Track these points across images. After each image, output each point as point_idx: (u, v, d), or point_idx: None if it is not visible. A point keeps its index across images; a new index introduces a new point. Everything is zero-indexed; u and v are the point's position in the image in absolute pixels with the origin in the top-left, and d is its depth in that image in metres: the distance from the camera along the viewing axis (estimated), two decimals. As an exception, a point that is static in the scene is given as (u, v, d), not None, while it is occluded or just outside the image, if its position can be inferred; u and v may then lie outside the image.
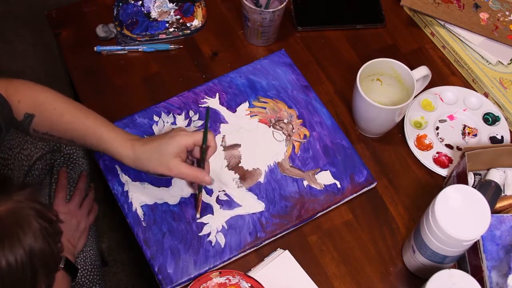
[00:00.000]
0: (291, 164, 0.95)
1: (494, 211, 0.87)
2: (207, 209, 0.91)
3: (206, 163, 0.88)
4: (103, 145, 0.85)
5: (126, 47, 1.08)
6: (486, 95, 1.04)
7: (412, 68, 0.94)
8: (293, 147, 0.97)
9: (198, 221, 0.90)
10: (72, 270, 0.94)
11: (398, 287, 0.88)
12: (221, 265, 0.88)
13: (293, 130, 0.99)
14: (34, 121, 0.84)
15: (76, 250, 1.00)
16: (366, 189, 0.94)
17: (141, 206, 0.91)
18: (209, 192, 0.92)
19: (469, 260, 0.84)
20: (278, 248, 0.90)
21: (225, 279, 0.84)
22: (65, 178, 1.06)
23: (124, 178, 0.93)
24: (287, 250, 0.89)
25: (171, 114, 0.99)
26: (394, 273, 0.89)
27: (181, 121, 0.99)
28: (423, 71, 0.95)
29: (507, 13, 1.00)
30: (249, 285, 0.84)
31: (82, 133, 0.85)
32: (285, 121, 0.99)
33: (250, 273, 0.87)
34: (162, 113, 0.99)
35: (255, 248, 0.89)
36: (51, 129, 0.86)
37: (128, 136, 0.86)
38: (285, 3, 1.02)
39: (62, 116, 0.85)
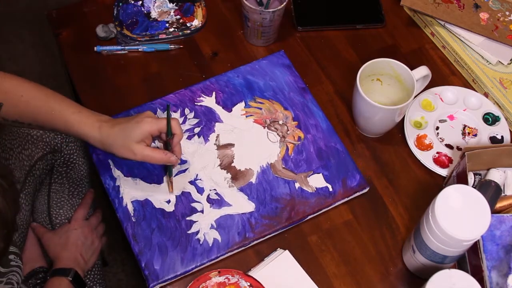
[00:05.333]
0: (283, 166, 0.95)
1: (494, 211, 0.87)
2: (196, 208, 0.92)
3: (176, 148, 0.88)
4: (71, 127, 0.84)
5: (126, 47, 1.08)
6: (486, 95, 1.04)
7: (412, 68, 0.94)
8: (287, 148, 0.97)
9: (187, 218, 0.90)
10: (79, 284, 0.94)
11: (398, 287, 0.88)
12: (208, 263, 0.88)
13: (288, 132, 0.98)
14: (2, 109, 0.83)
15: (87, 266, 1.00)
16: (358, 193, 0.94)
17: (131, 202, 0.91)
18: (200, 191, 0.93)
19: (469, 260, 0.84)
20: (278, 248, 0.90)
21: (224, 278, 0.84)
22: (91, 198, 1.08)
23: (116, 172, 0.94)
24: (287, 250, 0.89)
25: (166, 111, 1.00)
26: (394, 273, 0.89)
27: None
28: (423, 71, 0.95)
29: (507, 13, 1.00)
30: (248, 284, 0.84)
31: (49, 117, 0.84)
32: (280, 122, 0.99)
33: (250, 273, 0.87)
34: (158, 109, 1.00)
35: (243, 248, 0.89)
36: (20, 116, 0.85)
37: (96, 117, 0.85)
38: (285, 3, 1.02)
39: (29, 102, 0.84)
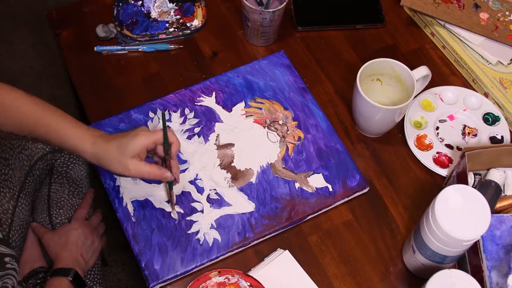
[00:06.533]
0: (283, 166, 0.95)
1: (494, 211, 0.87)
2: (196, 208, 0.92)
3: (173, 161, 0.89)
4: (66, 142, 0.85)
5: (126, 47, 1.08)
6: (486, 95, 1.04)
7: (412, 68, 0.94)
8: (287, 148, 0.97)
9: (187, 218, 0.90)
10: (79, 284, 0.95)
11: (398, 287, 0.88)
12: (208, 263, 0.88)
13: (288, 132, 0.98)
14: None
15: (87, 266, 1.00)
16: (358, 193, 0.94)
17: (131, 202, 0.91)
18: (200, 190, 0.93)
19: (469, 260, 0.84)
20: (278, 248, 0.90)
21: (224, 278, 0.84)
22: (91, 198, 1.08)
23: None
24: (287, 250, 0.89)
25: (166, 111, 1.00)
26: (394, 273, 0.89)
27: (176, 118, 0.99)
28: (423, 71, 0.95)
29: (507, 13, 1.00)
30: (248, 283, 0.84)
31: (45, 131, 0.85)
32: (280, 122, 0.99)
33: (250, 273, 0.87)
34: (158, 109, 1.00)
35: (243, 248, 0.89)
36: (15, 128, 0.86)
37: (91, 132, 0.86)
38: (285, 3, 1.02)
39: (25, 115, 0.85)
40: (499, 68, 1.05)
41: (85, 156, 0.85)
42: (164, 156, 0.88)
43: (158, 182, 0.93)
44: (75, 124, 0.86)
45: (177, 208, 0.91)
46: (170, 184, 0.90)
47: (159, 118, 0.99)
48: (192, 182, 0.94)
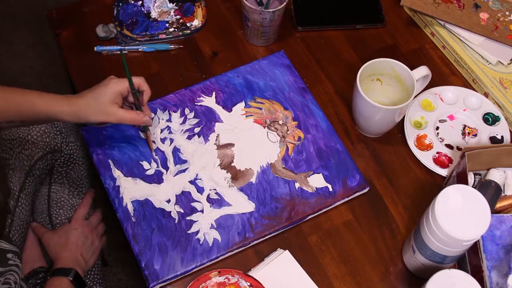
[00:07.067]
0: (283, 166, 0.95)
1: (494, 211, 0.87)
2: (196, 208, 0.92)
3: (144, 107, 0.90)
4: (41, 112, 0.85)
5: (126, 47, 1.08)
6: (486, 95, 1.04)
7: (412, 68, 0.94)
8: (287, 148, 0.97)
9: (187, 218, 0.90)
10: (79, 284, 0.95)
11: (398, 287, 0.88)
12: (208, 263, 0.88)
13: (288, 132, 0.98)
14: None
15: (87, 266, 1.01)
16: (358, 193, 0.94)
17: (131, 202, 0.92)
18: (200, 190, 0.93)
19: (469, 260, 0.84)
20: (278, 248, 0.90)
21: (224, 278, 0.84)
22: (91, 198, 1.08)
23: (116, 173, 0.94)
24: (287, 250, 0.89)
25: (166, 111, 1.00)
26: (394, 273, 0.89)
27: (176, 118, 0.99)
28: (423, 71, 0.95)
29: (507, 13, 1.00)
30: (248, 283, 0.84)
31: (16, 110, 0.86)
32: (280, 122, 0.99)
33: (250, 273, 0.87)
34: (158, 109, 1.00)
35: (243, 248, 0.89)
36: None
37: (62, 95, 0.86)
38: (285, 3, 1.02)
39: None
40: (499, 68, 1.05)
41: (63, 117, 0.86)
42: (134, 101, 0.89)
43: (158, 182, 0.93)
44: (42, 94, 0.86)
45: (177, 208, 0.91)
46: (145, 127, 0.93)
47: (159, 118, 0.99)
48: (192, 182, 0.94)
